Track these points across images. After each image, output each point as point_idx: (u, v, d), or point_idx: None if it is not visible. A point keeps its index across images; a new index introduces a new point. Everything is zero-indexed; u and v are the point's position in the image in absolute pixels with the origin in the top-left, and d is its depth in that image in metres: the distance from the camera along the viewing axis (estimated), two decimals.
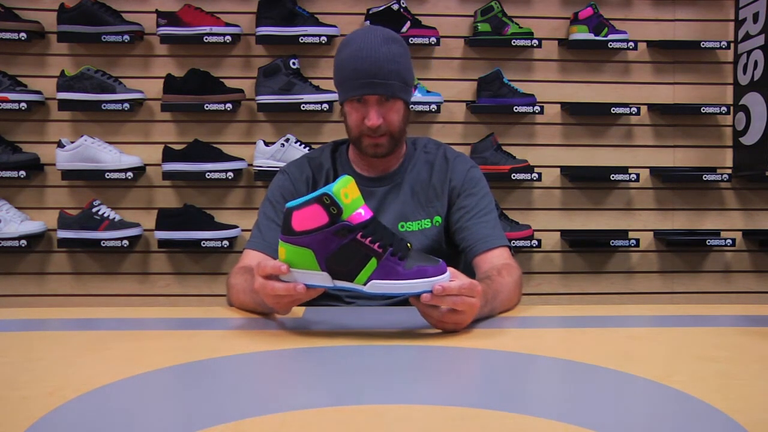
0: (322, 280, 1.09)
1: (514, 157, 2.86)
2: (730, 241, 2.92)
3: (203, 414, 0.76)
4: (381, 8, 2.82)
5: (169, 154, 2.76)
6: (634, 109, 2.88)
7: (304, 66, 2.88)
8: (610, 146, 3.01)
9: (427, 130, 2.94)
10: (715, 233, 3.00)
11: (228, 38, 2.77)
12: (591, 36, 2.88)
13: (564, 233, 2.98)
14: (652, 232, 3.02)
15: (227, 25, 2.80)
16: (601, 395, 0.86)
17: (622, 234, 2.96)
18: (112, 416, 0.77)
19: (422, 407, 0.79)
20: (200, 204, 2.87)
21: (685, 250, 3.05)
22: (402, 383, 0.90)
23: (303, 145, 2.76)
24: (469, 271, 1.44)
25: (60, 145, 2.74)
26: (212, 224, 2.79)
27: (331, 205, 1.06)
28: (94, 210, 2.75)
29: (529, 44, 2.86)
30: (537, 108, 2.84)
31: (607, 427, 0.72)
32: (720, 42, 2.93)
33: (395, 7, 2.81)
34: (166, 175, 2.80)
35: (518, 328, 1.25)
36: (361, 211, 1.08)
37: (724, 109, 2.92)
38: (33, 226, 2.76)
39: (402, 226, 1.56)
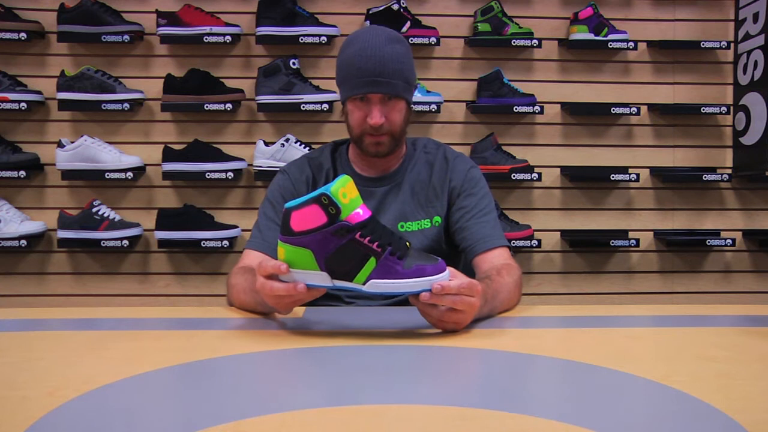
0: (322, 279, 1.09)
1: (514, 157, 2.86)
2: (730, 241, 2.92)
3: (203, 414, 0.76)
4: (381, 8, 2.82)
5: (169, 154, 2.76)
6: (634, 109, 2.88)
7: (304, 66, 2.88)
8: (610, 146, 3.01)
9: (427, 130, 2.94)
10: (715, 233, 3.00)
11: (228, 38, 2.77)
12: (591, 36, 2.88)
13: (564, 233, 2.98)
14: (652, 232, 3.02)
15: (227, 25, 2.80)
16: (601, 395, 0.86)
17: (622, 234, 2.96)
18: (112, 416, 0.77)
19: (422, 407, 0.79)
20: (200, 204, 2.87)
21: (685, 250, 3.05)
22: (402, 383, 0.90)
23: (303, 145, 2.76)
24: (469, 271, 1.44)
25: (60, 145, 2.74)
26: (212, 224, 2.79)
27: (329, 205, 1.06)
28: (94, 210, 2.75)
29: (529, 44, 2.86)
30: (537, 108, 2.84)
31: (607, 427, 0.72)
32: (720, 42, 2.93)
33: (395, 7, 2.81)
34: (166, 175, 2.80)
35: (518, 328, 1.25)
36: (360, 211, 1.08)
37: (724, 109, 2.92)
38: (33, 226, 2.76)
39: (402, 226, 1.56)
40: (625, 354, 1.04)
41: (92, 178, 2.80)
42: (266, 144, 2.78)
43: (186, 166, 2.76)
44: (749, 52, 2.89)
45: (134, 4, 2.87)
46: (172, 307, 2.54)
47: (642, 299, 3.02)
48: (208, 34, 2.76)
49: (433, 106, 2.80)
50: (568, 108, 2.94)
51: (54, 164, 2.77)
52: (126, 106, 2.75)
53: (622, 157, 3.00)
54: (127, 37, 2.76)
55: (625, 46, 2.89)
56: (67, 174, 2.78)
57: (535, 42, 2.86)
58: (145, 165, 2.86)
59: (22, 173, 2.74)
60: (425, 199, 1.59)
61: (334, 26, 2.81)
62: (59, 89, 2.75)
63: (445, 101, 2.88)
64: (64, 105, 2.77)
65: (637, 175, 2.89)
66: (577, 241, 2.99)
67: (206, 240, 2.74)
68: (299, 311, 1.35)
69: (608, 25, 2.90)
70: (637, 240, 2.90)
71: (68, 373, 0.93)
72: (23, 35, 2.74)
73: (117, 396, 0.84)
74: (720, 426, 0.73)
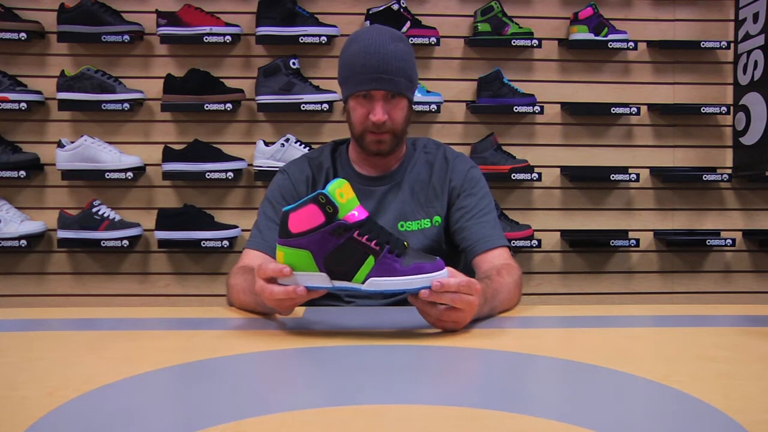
0: (321, 281, 1.09)
1: (514, 157, 2.86)
2: (730, 241, 2.92)
3: (203, 414, 0.76)
4: (381, 8, 2.82)
5: (169, 154, 2.76)
6: (634, 109, 2.88)
7: (304, 66, 2.88)
8: (610, 146, 3.01)
9: (427, 130, 2.94)
10: (715, 233, 3.00)
11: (228, 38, 2.77)
12: (591, 36, 2.88)
13: (564, 233, 2.98)
14: (652, 232, 3.02)
15: (227, 25, 2.80)
16: (601, 395, 0.86)
17: (622, 234, 2.96)
18: (112, 416, 0.77)
19: (422, 407, 0.78)
20: (200, 204, 2.87)
21: (685, 250, 3.04)
22: (402, 383, 0.90)
23: (303, 145, 2.76)
24: (469, 272, 1.44)
25: (60, 145, 2.74)
26: (212, 224, 2.79)
27: (327, 204, 1.07)
28: (94, 210, 2.75)
29: (529, 44, 2.86)
30: (537, 108, 2.84)
31: (607, 427, 0.72)
32: (720, 42, 2.93)
33: (395, 7, 2.81)
34: (166, 175, 2.80)
35: (518, 328, 1.25)
36: (356, 211, 1.08)
37: (724, 109, 2.92)
38: (33, 226, 2.76)
39: (402, 226, 1.56)
40: (625, 354, 1.04)
41: (92, 178, 2.80)
42: (266, 144, 2.78)
43: (186, 166, 2.76)
44: (749, 52, 2.89)
45: (134, 4, 2.87)
46: (172, 307, 2.54)
47: (642, 299, 3.02)
48: (208, 34, 2.76)
49: (433, 106, 2.80)
50: (568, 108, 2.94)
51: (54, 164, 2.77)
52: (126, 106, 2.75)
53: (622, 157, 3.00)
54: (127, 37, 2.76)
55: (625, 46, 2.89)
56: (67, 174, 2.78)
57: (535, 42, 2.86)
58: (145, 165, 2.86)
59: (22, 173, 2.74)
60: (425, 199, 1.59)
61: (334, 26, 2.81)
62: (59, 89, 2.75)
63: (445, 101, 2.88)
64: (64, 105, 2.77)
65: (637, 175, 2.89)
66: (577, 241, 2.99)
67: (206, 240, 2.74)
68: (299, 311, 1.35)
69: (608, 25, 2.90)
70: (637, 240, 2.90)
71: (68, 373, 0.93)
72: (23, 35, 2.74)
73: (117, 396, 0.84)
74: (720, 426, 0.73)
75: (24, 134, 2.87)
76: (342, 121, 1.57)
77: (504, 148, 2.88)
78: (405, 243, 1.11)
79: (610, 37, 2.88)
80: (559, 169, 2.97)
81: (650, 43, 2.99)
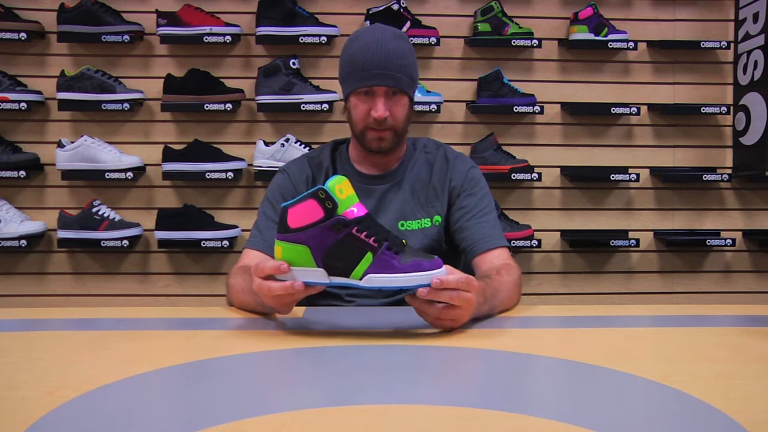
0: (319, 276, 1.09)
1: (514, 157, 2.86)
2: (730, 241, 2.92)
3: (203, 414, 0.76)
4: (381, 8, 2.82)
5: (169, 154, 2.76)
6: (634, 109, 2.88)
7: (304, 66, 2.88)
8: (610, 146, 3.01)
9: (427, 130, 2.94)
10: (715, 233, 3.00)
11: (228, 38, 2.77)
12: (591, 36, 2.88)
13: (564, 233, 2.98)
14: (652, 232, 3.02)
15: (227, 25, 2.80)
16: (601, 395, 0.86)
17: (622, 234, 2.96)
18: (112, 416, 0.77)
19: (422, 407, 0.79)
20: (200, 204, 2.87)
21: (685, 250, 3.05)
22: (402, 383, 0.90)
23: (303, 145, 2.76)
24: (469, 271, 1.44)
25: (60, 145, 2.74)
26: (212, 224, 2.79)
27: (326, 199, 1.07)
28: (94, 210, 2.75)
29: (529, 44, 2.86)
30: (537, 108, 2.84)
31: (607, 427, 0.72)
32: (720, 42, 2.93)
33: (395, 7, 2.81)
34: (166, 175, 2.80)
35: (518, 328, 1.25)
36: (355, 208, 1.08)
37: (724, 109, 2.92)
38: (33, 226, 2.76)
39: (402, 225, 1.56)
40: (625, 354, 1.04)
41: (92, 178, 2.80)
42: (266, 144, 2.78)
43: (186, 166, 2.76)
44: (749, 52, 2.89)
45: (134, 4, 2.87)
46: (172, 307, 2.54)
47: (642, 299, 3.02)
48: (208, 34, 2.76)
49: (433, 106, 2.80)
50: (568, 108, 2.94)
51: (54, 164, 2.77)
52: (126, 106, 2.75)
53: (622, 157, 3.00)
54: (127, 37, 2.76)
55: (625, 46, 2.89)
56: (67, 174, 2.78)
57: (535, 42, 2.86)
58: (145, 165, 2.86)
59: (22, 173, 2.74)
60: (425, 199, 1.59)
61: (334, 26, 2.81)
62: (59, 89, 2.75)
63: (445, 101, 2.88)
64: (64, 105, 2.77)
65: (637, 175, 2.89)
66: (577, 241, 2.99)
67: (206, 240, 2.74)
68: (299, 311, 1.35)
69: (608, 25, 2.90)
70: (637, 240, 2.90)
71: (68, 373, 0.93)
72: (23, 35, 2.74)
73: (117, 396, 0.84)
74: (720, 426, 0.73)
75: (24, 134, 2.87)
76: (342, 121, 1.57)
77: (504, 148, 2.88)
78: (404, 241, 1.11)
79: (610, 37, 2.88)
80: (559, 169, 2.97)
81: (650, 43, 2.99)
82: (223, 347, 1.09)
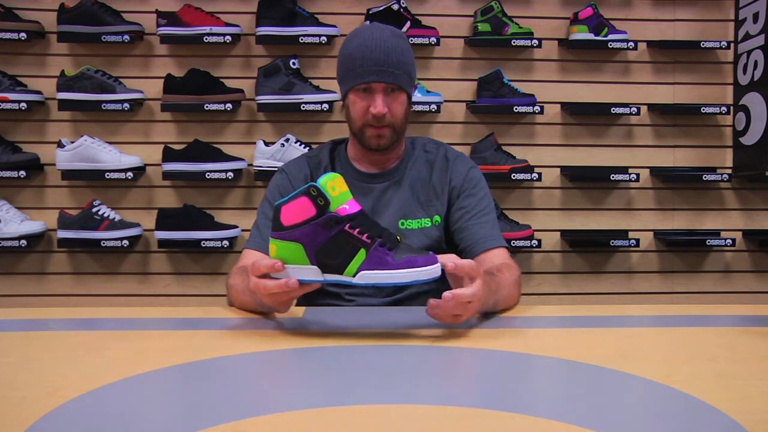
0: (312, 274, 1.09)
1: (514, 157, 2.86)
2: (730, 241, 2.92)
3: (203, 414, 0.76)
4: (381, 8, 2.82)
5: (169, 154, 2.76)
6: (634, 109, 2.88)
7: (304, 66, 2.88)
8: (610, 146, 3.01)
9: (427, 130, 2.94)
10: (715, 233, 3.00)
11: (228, 38, 2.77)
12: (591, 36, 2.88)
13: (564, 233, 2.98)
14: (652, 232, 3.02)
15: (227, 25, 2.80)
16: (601, 395, 0.86)
17: (622, 234, 2.96)
18: (112, 416, 0.77)
19: (422, 407, 0.79)
20: (200, 204, 2.87)
21: (685, 250, 3.04)
22: (402, 383, 0.90)
23: (303, 145, 2.76)
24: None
25: (60, 145, 2.74)
26: (212, 224, 2.79)
27: (318, 196, 1.07)
28: (94, 210, 2.75)
29: (529, 44, 2.86)
30: (537, 108, 2.84)
31: (607, 427, 0.72)
32: (720, 42, 2.93)
33: (395, 7, 2.81)
34: (166, 175, 2.80)
35: (518, 328, 1.25)
36: (348, 205, 1.08)
37: (724, 109, 2.92)
38: (33, 226, 2.76)
39: (402, 224, 1.57)
40: (625, 354, 1.04)
41: (92, 178, 2.80)
42: (266, 144, 2.78)
43: (186, 166, 2.76)
44: (749, 52, 2.89)
45: (134, 4, 2.87)
46: (172, 307, 2.54)
47: (642, 299, 3.02)
48: (208, 34, 2.76)
49: (433, 106, 2.80)
50: (568, 108, 2.94)
51: (54, 164, 2.77)
52: (126, 106, 2.75)
53: (622, 157, 3.00)
54: (127, 37, 2.76)
55: (625, 46, 2.89)
56: (67, 174, 2.78)
57: (535, 42, 2.86)
58: (145, 165, 2.86)
59: (22, 173, 2.74)
60: (426, 199, 1.60)
61: (334, 26, 2.81)
62: (59, 89, 2.75)
63: (445, 101, 2.88)
64: (64, 105, 2.77)
65: (637, 175, 2.89)
66: (577, 241, 2.99)
67: (206, 240, 2.74)
68: (299, 311, 1.35)
69: (608, 25, 2.90)
70: (637, 240, 2.90)
71: (68, 373, 0.93)
72: (23, 35, 2.74)
73: (117, 396, 0.84)
74: (720, 426, 0.73)
75: (24, 134, 2.87)
76: (342, 121, 1.57)
77: (504, 148, 2.88)
78: (398, 237, 1.10)
79: (610, 37, 2.88)
80: (559, 169, 2.97)
81: (650, 43, 2.99)
82: (223, 347, 1.09)
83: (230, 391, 0.85)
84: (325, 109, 2.76)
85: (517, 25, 2.88)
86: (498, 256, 1.51)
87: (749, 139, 2.91)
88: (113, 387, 0.86)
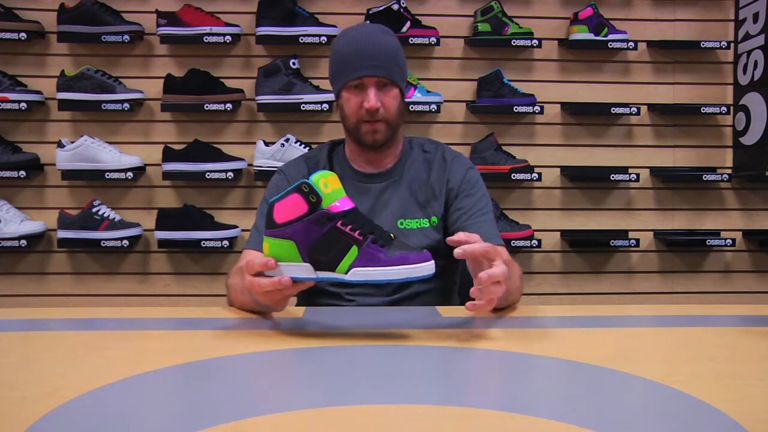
0: (305, 271, 1.09)
1: (514, 157, 2.86)
2: (730, 241, 2.92)
3: (203, 414, 0.76)
4: (381, 8, 2.82)
5: (169, 154, 2.76)
6: (634, 109, 2.88)
7: (304, 66, 2.88)
8: (610, 146, 3.01)
9: (427, 130, 2.94)
10: (715, 233, 3.00)
11: (228, 38, 2.77)
12: (591, 36, 2.88)
13: (564, 233, 2.98)
14: (652, 232, 3.02)
15: (227, 25, 2.80)
16: (601, 395, 0.86)
17: (622, 234, 2.96)
18: (112, 416, 0.77)
19: (422, 407, 0.78)
20: (200, 204, 2.87)
21: (685, 250, 3.04)
22: (402, 383, 0.90)
23: (303, 145, 2.76)
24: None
25: (60, 145, 2.74)
26: (212, 224, 2.79)
27: (310, 193, 1.06)
28: (94, 210, 2.75)
29: (529, 44, 2.86)
30: (537, 108, 2.84)
31: (607, 427, 0.72)
32: (720, 42, 2.93)
33: (395, 7, 2.81)
34: (166, 175, 2.80)
35: (518, 328, 1.25)
36: (340, 202, 1.08)
37: (724, 109, 2.92)
38: (33, 226, 2.76)
39: (401, 224, 1.57)
40: (625, 354, 1.04)
41: (92, 178, 2.80)
42: (266, 144, 2.78)
43: (186, 166, 2.76)
44: (749, 52, 2.89)
45: (134, 4, 2.87)
46: (172, 307, 2.54)
47: (642, 299, 3.02)
48: (208, 34, 2.76)
49: (433, 106, 2.80)
50: (568, 108, 2.94)
51: (54, 164, 2.77)
52: (126, 106, 2.75)
53: (622, 157, 3.00)
54: (127, 37, 2.76)
55: (625, 46, 2.89)
56: (67, 174, 2.78)
57: (535, 42, 2.86)
58: (145, 165, 2.86)
59: (22, 173, 2.74)
60: (424, 199, 1.60)
61: (334, 26, 2.81)
62: (59, 89, 2.75)
63: (445, 101, 2.88)
64: (64, 105, 2.77)
65: (637, 175, 2.89)
66: (577, 241, 2.99)
67: (206, 240, 2.74)
68: (299, 311, 1.35)
69: (608, 25, 2.90)
70: (637, 240, 2.90)
71: (68, 373, 0.93)
72: (23, 35, 2.74)
73: (117, 396, 0.84)
74: (720, 426, 0.73)
75: (24, 134, 2.87)
76: (340, 121, 1.58)
77: (504, 148, 2.88)
78: (391, 235, 1.10)
79: (610, 37, 2.88)
80: (559, 169, 2.97)
81: (650, 43, 2.99)
82: (223, 347, 1.09)
83: (230, 391, 0.85)
84: (325, 109, 2.77)
85: (517, 25, 2.88)
86: (502, 252, 1.51)
87: (749, 139, 2.91)
88: (113, 387, 0.86)
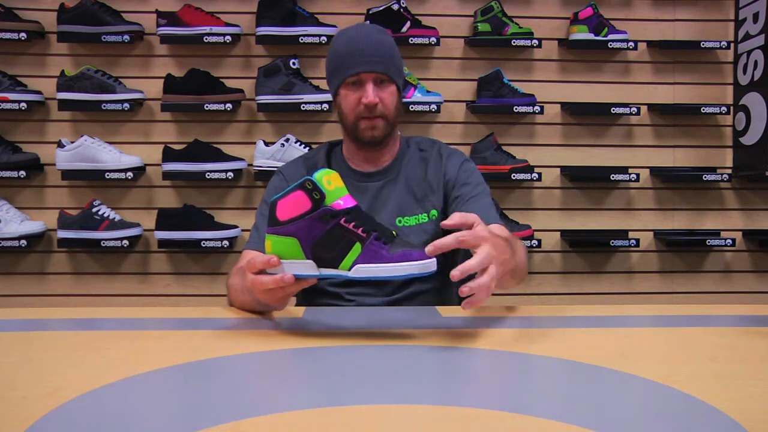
0: (308, 268, 1.09)
1: (514, 157, 2.86)
2: (730, 241, 2.92)
3: (203, 414, 0.76)
4: (381, 8, 2.82)
5: (169, 154, 2.76)
6: (634, 109, 2.88)
7: (304, 66, 2.88)
8: (610, 146, 3.01)
9: (427, 130, 2.94)
10: (715, 233, 3.00)
11: (228, 38, 2.77)
12: (591, 36, 2.88)
13: (564, 233, 2.98)
14: (652, 232, 3.02)
15: (227, 25, 2.80)
16: (601, 395, 0.85)
17: (622, 234, 2.96)
18: (112, 416, 0.77)
19: (422, 407, 0.78)
20: (200, 204, 2.87)
21: (685, 250, 3.04)
22: (402, 383, 0.90)
23: (303, 145, 2.76)
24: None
25: (60, 145, 2.74)
26: (212, 224, 2.79)
27: (313, 190, 1.07)
28: (94, 210, 2.75)
29: (529, 44, 2.86)
30: (537, 108, 2.84)
31: (607, 427, 0.72)
32: (720, 42, 2.93)
33: (395, 7, 2.81)
34: (166, 175, 2.80)
35: (518, 328, 1.25)
36: (343, 200, 1.08)
37: (724, 109, 2.92)
38: (33, 226, 2.76)
39: (399, 221, 1.58)
40: (625, 354, 1.04)
41: (92, 178, 2.80)
42: (266, 144, 2.78)
43: (186, 166, 2.76)
44: (749, 52, 2.89)
45: (134, 4, 2.87)
46: (172, 307, 2.54)
47: (642, 299, 3.02)
48: (208, 34, 2.76)
49: (433, 106, 2.80)
50: (568, 108, 2.94)
51: (54, 164, 2.77)
52: (126, 106, 2.75)
53: (622, 157, 3.00)
54: (127, 37, 2.76)
55: (625, 46, 2.89)
56: (67, 174, 2.78)
57: (535, 42, 2.86)
58: (145, 165, 2.86)
59: (22, 173, 2.74)
60: (422, 195, 1.61)
61: (334, 26, 2.81)
62: (59, 89, 2.75)
63: (445, 101, 2.88)
64: (64, 105, 2.77)
65: (637, 175, 2.89)
66: (577, 241, 2.99)
67: (206, 240, 2.74)
68: (299, 311, 1.35)
69: (608, 25, 2.90)
70: (637, 240, 2.90)
71: (68, 373, 0.93)
72: (23, 35, 2.74)
73: (117, 396, 0.84)
74: (720, 426, 0.73)
75: (24, 134, 2.87)
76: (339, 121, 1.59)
77: (504, 148, 2.88)
78: (393, 232, 1.10)
79: (610, 37, 2.88)
80: (559, 169, 2.97)
81: (650, 43, 2.99)
82: (223, 347, 1.09)
83: (230, 391, 0.85)
84: (325, 109, 2.77)
85: (517, 25, 2.88)
86: (499, 229, 1.49)
87: (749, 139, 2.91)
88: (113, 387, 0.86)
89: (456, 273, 1.03)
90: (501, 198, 2.93)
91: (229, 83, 2.83)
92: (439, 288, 1.58)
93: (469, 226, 1.10)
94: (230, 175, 2.76)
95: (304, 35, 2.78)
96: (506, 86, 2.85)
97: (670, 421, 0.76)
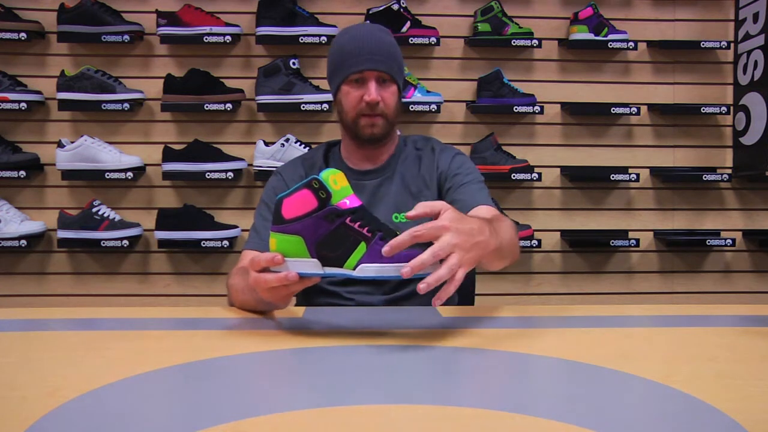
0: (312, 267, 1.09)
1: (514, 157, 2.86)
2: (730, 241, 2.92)
3: (203, 414, 0.76)
4: (381, 8, 2.82)
5: (169, 154, 2.77)
6: (634, 109, 2.88)
7: (304, 66, 2.88)
8: (610, 146, 3.01)
9: (427, 130, 2.94)
10: (715, 233, 3.00)
11: (228, 38, 2.77)
12: (591, 36, 2.88)
13: (564, 233, 2.98)
14: (652, 232, 3.02)
15: (227, 25, 2.80)
16: (601, 395, 0.85)
17: (622, 234, 2.96)
18: (112, 416, 0.77)
19: (422, 407, 0.78)
20: (200, 204, 2.87)
21: (685, 250, 3.05)
22: (402, 383, 0.90)
23: (303, 145, 2.76)
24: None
25: (60, 145, 2.74)
26: (212, 224, 2.79)
27: (320, 189, 1.07)
28: (94, 210, 2.75)
29: (529, 44, 2.86)
30: (537, 108, 2.84)
31: (607, 427, 0.72)
32: (720, 42, 2.93)
33: (395, 7, 2.81)
34: (166, 175, 2.80)
35: (518, 328, 1.25)
36: (349, 199, 1.09)
37: (724, 109, 2.92)
38: (33, 226, 2.76)
39: (396, 218, 1.58)
40: (625, 354, 1.04)
41: (92, 178, 2.80)
42: (266, 144, 2.78)
43: (186, 166, 2.76)
44: (749, 52, 2.89)
45: (134, 4, 2.87)
46: (172, 307, 2.54)
47: (642, 299, 3.02)
48: (208, 34, 2.76)
49: (433, 106, 2.80)
50: (568, 108, 2.94)
51: (54, 164, 2.77)
52: (126, 106, 2.75)
53: (622, 157, 3.00)
54: (127, 37, 2.76)
55: (625, 46, 2.89)
56: (67, 174, 2.78)
57: (535, 42, 2.86)
58: (145, 165, 2.86)
59: (22, 173, 2.74)
60: (417, 190, 1.62)
61: (334, 26, 2.81)
62: (59, 89, 2.75)
63: (445, 101, 2.88)
64: (64, 105, 2.78)
65: (637, 175, 2.89)
66: (577, 241, 2.99)
67: (206, 240, 2.75)
68: (299, 311, 1.35)
69: (608, 25, 2.90)
70: (637, 240, 2.90)
71: (68, 373, 0.93)
72: (23, 35, 2.74)
73: (117, 396, 0.84)
74: (720, 426, 0.73)
75: (24, 134, 2.87)
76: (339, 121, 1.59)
77: (504, 148, 2.88)
78: (397, 232, 1.10)
79: (610, 37, 2.88)
80: (559, 169, 2.97)
81: (650, 43, 2.99)
82: (223, 347, 1.09)
83: (230, 391, 0.85)
84: (325, 109, 2.77)
85: (517, 25, 2.88)
86: (485, 210, 1.48)
87: (749, 139, 2.91)
88: (113, 387, 0.86)
89: (422, 286, 1.01)
90: (501, 198, 2.94)
91: (229, 83, 2.83)
92: (438, 286, 1.58)
93: (437, 215, 1.09)
94: (230, 175, 2.76)
95: (304, 35, 2.78)
96: (506, 86, 2.85)
97: (670, 421, 0.76)
